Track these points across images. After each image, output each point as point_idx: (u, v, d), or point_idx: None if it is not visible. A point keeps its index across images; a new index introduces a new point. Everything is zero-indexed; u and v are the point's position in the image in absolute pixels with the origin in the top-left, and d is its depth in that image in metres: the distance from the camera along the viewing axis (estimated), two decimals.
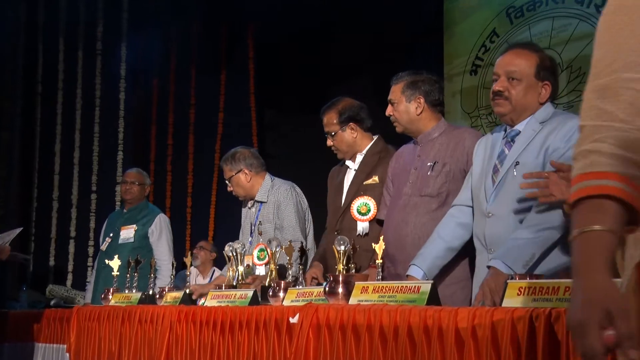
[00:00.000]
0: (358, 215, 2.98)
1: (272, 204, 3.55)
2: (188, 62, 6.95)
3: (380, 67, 5.48)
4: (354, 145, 3.15)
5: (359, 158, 3.15)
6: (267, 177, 3.66)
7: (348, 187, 3.15)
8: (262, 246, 3.30)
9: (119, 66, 6.96)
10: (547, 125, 2.28)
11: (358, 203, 3.00)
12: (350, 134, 3.14)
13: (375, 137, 3.18)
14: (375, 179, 3.06)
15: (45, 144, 7.07)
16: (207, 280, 5.53)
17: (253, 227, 3.61)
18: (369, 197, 2.99)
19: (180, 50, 7.00)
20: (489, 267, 2.15)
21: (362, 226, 2.99)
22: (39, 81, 7.06)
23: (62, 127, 7.04)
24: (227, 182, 3.68)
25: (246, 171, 3.62)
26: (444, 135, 2.78)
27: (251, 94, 6.58)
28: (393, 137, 3.12)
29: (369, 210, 2.98)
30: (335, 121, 3.14)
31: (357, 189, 3.08)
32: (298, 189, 3.62)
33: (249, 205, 3.69)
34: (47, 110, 7.03)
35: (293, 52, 6.12)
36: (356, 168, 3.15)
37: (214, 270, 5.59)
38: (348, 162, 3.19)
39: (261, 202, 3.60)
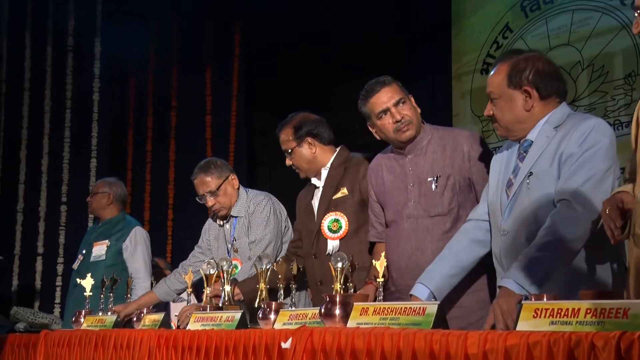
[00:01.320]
0: (329, 233, 3.03)
1: (246, 217, 3.56)
2: (169, 59, 6.97)
3: (383, 65, 5.50)
4: (315, 162, 3.19)
5: (324, 173, 3.19)
6: (242, 190, 3.67)
7: (318, 205, 3.18)
8: (236, 262, 3.34)
9: (93, 64, 6.96)
10: (561, 129, 2.30)
11: (328, 220, 3.06)
12: (308, 150, 3.18)
13: (337, 149, 3.22)
14: (344, 191, 3.10)
15: (9, 150, 7.06)
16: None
17: (229, 245, 3.61)
18: (340, 213, 3.04)
19: (161, 46, 7.02)
20: (499, 287, 2.16)
21: (332, 244, 3.04)
22: (2, 80, 7.06)
23: (28, 132, 7.04)
24: (208, 195, 3.60)
25: (233, 177, 3.62)
26: (433, 142, 2.77)
27: (233, 97, 6.59)
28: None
29: (340, 227, 3.02)
30: (291, 137, 3.19)
31: (328, 205, 3.12)
32: (274, 199, 3.64)
33: (220, 222, 3.69)
34: (12, 113, 7.03)
35: (288, 50, 6.14)
36: (323, 184, 3.18)
37: None
38: (314, 181, 3.23)
39: (236, 217, 3.60)
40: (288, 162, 3.25)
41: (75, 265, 4.63)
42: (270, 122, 6.70)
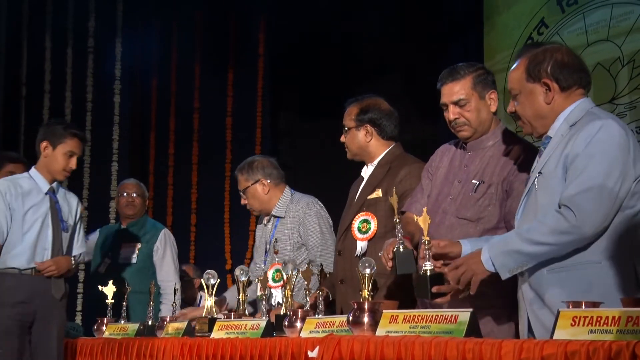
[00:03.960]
0: (358, 234, 3.02)
1: (291, 219, 3.61)
2: (191, 59, 7.01)
3: (412, 63, 5.50)
4: (365, 150, 3.19)
5: (370, 168, 3.18)
6: (287, 190, 3.72)
7: (355, 201, 3.19)
8: (278, 266, 3.33)
9: (113, 65, 7.04)
10: (574, 128, 2.27)
11: (359, 220, 3.05)
12: (363, 136, 3.17)
13: (391, 146, 3.21)
14: (378, 192, 3.09)
15: (30, 154, 7.15)
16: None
17: (268, 246, 3.65)
18: (371, 215, 3.02)
19: (183, 46, 7.07)
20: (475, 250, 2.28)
21: (361, 245, 3.04)
22: (22, 83, 7.16)
23: None
24: (241, 193, 3.74)
25: (264, 182, 3.67)
26: (497, 147, 2.74)
27: (258, 97, 6.62)
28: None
29: (369, 229, 3.01)
30: (353, 117, 3.20)
31: (362, 204, 3.12)
32: (320, 203, 3.66)
33: (264, 221, 3.75)
34: (32, 116, 7.12)
35: (313, 47, 6.15)
36: (365, 180, 3.19)
37: (200, 297, 5.61)
38: (363, 172, 3.25)
39: (278, 217, 3.65)
40: (343, 138, 3.24)
41: (102, 269, 4.65)
42: (295, 123, 6.76)
